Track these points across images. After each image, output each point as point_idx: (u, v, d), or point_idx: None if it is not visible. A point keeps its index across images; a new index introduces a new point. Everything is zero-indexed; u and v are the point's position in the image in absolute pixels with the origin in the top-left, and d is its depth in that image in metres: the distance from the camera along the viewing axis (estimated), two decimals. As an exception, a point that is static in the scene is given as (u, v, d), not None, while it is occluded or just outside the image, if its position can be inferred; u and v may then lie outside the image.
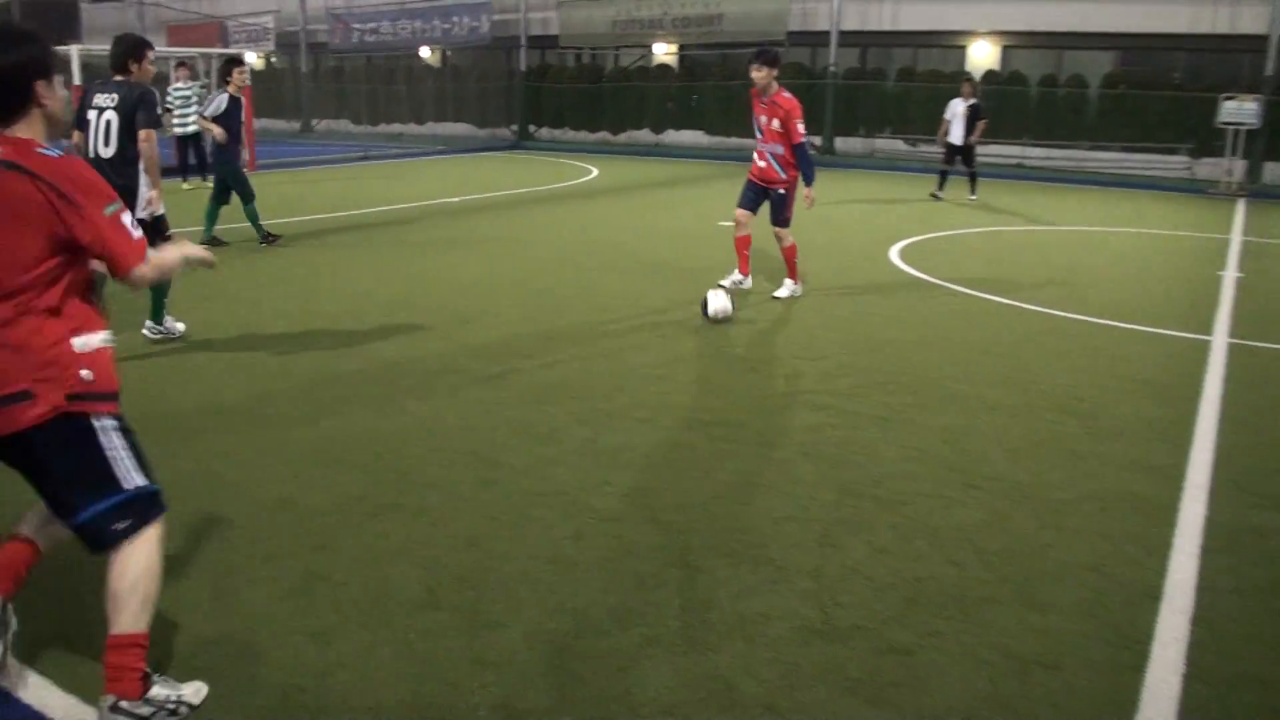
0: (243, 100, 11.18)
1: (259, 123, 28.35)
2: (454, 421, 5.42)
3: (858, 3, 26.62)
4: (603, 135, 31.72)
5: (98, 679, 2.79)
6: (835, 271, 10.12)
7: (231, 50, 31.49)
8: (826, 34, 26.25)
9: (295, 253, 10.81)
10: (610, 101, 31.22)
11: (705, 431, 5.32)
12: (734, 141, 27.33)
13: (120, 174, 6.24)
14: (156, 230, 6.45)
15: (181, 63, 16.12)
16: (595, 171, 22.16)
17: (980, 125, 16.29)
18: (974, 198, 16.56)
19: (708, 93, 28.55)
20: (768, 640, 3.32)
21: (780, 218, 8.69)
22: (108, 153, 6.32)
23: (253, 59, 32.42)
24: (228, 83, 10.90)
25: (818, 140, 26.51)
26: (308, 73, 38.00)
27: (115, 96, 6.34)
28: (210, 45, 33.79)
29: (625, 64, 32.06)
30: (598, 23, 31.14)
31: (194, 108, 15.17)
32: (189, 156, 16.03)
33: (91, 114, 6.36)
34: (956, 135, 16.36)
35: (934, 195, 16.88)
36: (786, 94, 8.42)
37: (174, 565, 3.73)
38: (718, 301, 7.82)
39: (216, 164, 11.48)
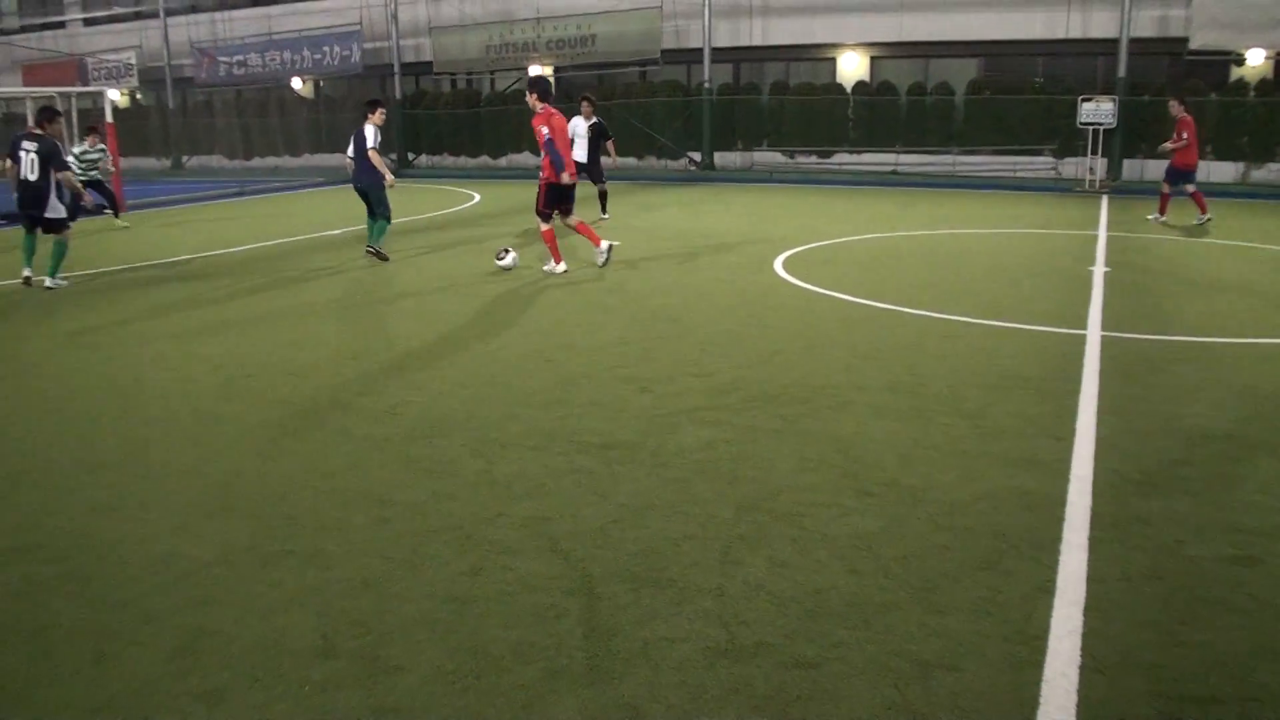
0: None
1: (126, 162, 27.46)
2: (344, 461, 5.28)
3: (728, 19, 27.06)
4: (483, 160, 31.58)
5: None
6: (721, 285, 10.20)
7: (91, 89, 30.51)
8: (700, 51, 26.58)
9: (167, 293, 10.45)
10: (489, 125, 31.11)
11: (599, 455, 5.28)
12: (619, 160, 27.43)
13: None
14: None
15: (92, 128, 17.20)
16: (478, 197, 22.02)
17: (609, 144, 15.87)
18: (606, 216, 16.02)
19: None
20: (673, 664, 3.28)
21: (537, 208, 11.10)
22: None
23: (115, 95, 31.38)
24: (370, 117, 12.37)
25: (698, 156, 26.82)
26: (175, 108, 37.00)
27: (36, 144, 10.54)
28: (68, 84, 32.63)
29: (501, 88, 31.97)
30: (471, 47, 31.02)
31: (96, 170, 16.76)
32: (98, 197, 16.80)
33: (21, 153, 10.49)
34: (581, 153, 15.15)
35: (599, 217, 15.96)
36: (541, 112, 10.52)
37: (51, 632, 3.54)
38: (507, 260, 11.39)
39: (368, 186, 12.56)
